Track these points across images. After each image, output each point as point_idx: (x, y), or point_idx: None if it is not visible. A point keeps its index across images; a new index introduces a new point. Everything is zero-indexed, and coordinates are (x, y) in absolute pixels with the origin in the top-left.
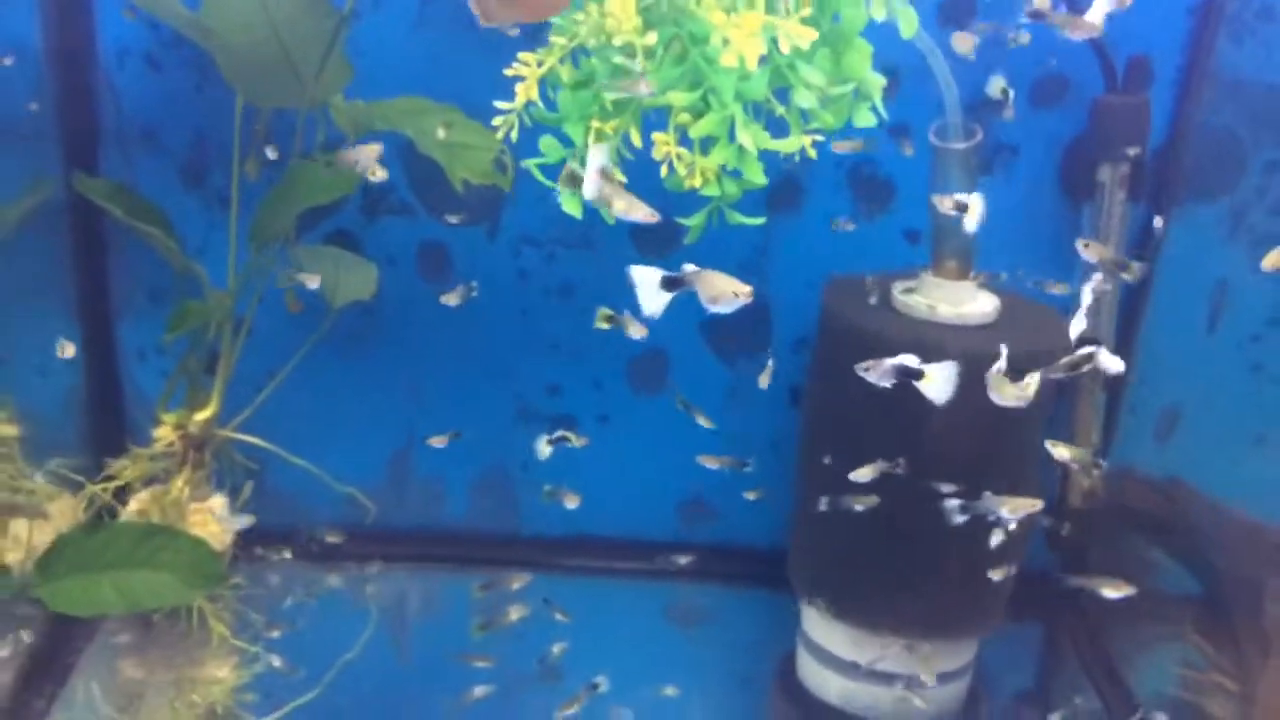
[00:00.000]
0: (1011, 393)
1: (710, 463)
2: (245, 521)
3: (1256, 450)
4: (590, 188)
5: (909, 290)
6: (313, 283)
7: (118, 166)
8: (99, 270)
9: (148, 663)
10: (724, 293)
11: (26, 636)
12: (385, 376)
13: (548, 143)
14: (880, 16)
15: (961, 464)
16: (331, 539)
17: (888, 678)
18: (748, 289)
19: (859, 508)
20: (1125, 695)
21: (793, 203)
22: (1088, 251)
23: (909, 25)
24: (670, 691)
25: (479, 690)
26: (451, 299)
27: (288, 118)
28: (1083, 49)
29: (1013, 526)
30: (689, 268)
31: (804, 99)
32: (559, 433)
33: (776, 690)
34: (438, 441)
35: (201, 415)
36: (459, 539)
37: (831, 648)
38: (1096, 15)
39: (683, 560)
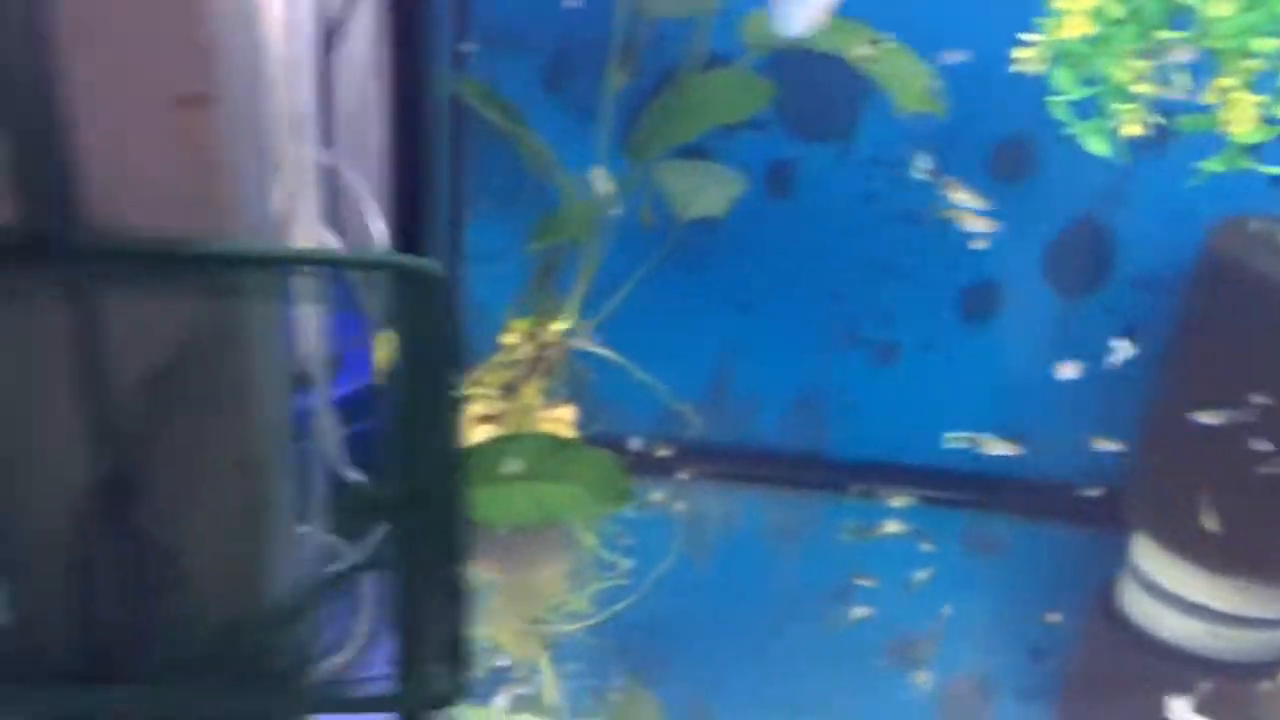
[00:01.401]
0: None
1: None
2: None
3: None
4: None
5: None
6: None
7: (478, 67)
8: (453, 173)
9: (497, 566)
10: None
11: None
12: (716, 292)
13: (1064, 77)
14: None
15: None
16: (661, 453)
17: (1239, 619)
18: None
19: None
20: None
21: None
22: None
23: None
24: (978, 619)
25: (860, 611)
26: None
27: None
28: None
29: None
30: None
31: None
32: None
33: (1096, 623)
34: None
35: (558, 325)
36: (766, 459)
37: (1168, 585)
38: None
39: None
